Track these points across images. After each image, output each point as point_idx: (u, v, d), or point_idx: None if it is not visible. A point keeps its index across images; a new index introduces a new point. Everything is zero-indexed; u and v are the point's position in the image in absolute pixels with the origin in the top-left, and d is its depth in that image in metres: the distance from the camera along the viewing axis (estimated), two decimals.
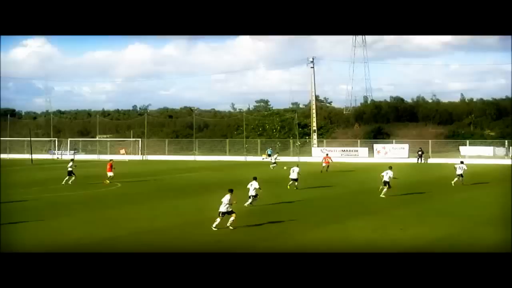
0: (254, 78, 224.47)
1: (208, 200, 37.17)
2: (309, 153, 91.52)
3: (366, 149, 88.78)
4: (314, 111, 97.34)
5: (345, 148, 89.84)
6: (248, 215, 33.74)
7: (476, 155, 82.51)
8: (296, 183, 46.87)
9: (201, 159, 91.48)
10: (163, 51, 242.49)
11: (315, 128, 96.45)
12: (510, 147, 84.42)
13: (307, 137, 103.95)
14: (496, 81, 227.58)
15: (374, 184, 44.70)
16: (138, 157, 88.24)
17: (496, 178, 56.42)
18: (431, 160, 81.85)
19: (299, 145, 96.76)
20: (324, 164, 65.88)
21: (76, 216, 33.77)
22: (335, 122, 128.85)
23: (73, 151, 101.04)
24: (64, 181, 50.62)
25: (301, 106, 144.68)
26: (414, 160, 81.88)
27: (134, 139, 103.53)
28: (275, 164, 68.39)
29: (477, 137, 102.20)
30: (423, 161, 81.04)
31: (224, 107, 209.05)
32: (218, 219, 28.77)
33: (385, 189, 41.58)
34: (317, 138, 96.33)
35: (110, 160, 55.75)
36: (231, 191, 29.76)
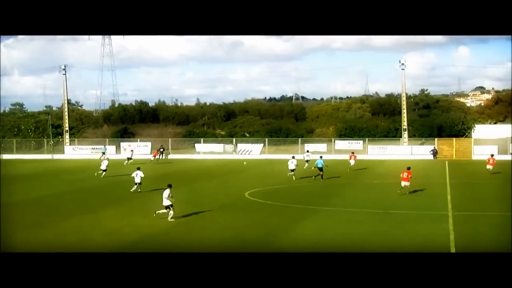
0: (9, 83, 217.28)
1: None
2: (62, 151, 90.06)
3: (114, 147, 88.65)
4: (66, 113, 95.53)
5: (95, 146, 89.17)
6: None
7: (209, 151, 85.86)
8: (104, 173, 49.44)
9: None
10: None
11: (67, 128, 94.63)
12: (238, 144, 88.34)
13: (60, 137, 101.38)
14: (224, 88, 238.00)
15: (123, 177, 45.06)
16: None
17: (226, 171, 59.22)
18: (171, 156, 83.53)
19: (52, 144, 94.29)
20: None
21: None
22: (85, 123, 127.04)
23: None
24: None
25: (54, 108, 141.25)
26: (156, 156, 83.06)
27: None
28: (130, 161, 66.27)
29: (210, 136, 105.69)
30: (164, 157, 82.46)
31: None
32: (172, 212, 28.53)
33: (291, 173, 47.47)
34: (69, 137, 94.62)
35: None
36: (169, 186, 29.50)
